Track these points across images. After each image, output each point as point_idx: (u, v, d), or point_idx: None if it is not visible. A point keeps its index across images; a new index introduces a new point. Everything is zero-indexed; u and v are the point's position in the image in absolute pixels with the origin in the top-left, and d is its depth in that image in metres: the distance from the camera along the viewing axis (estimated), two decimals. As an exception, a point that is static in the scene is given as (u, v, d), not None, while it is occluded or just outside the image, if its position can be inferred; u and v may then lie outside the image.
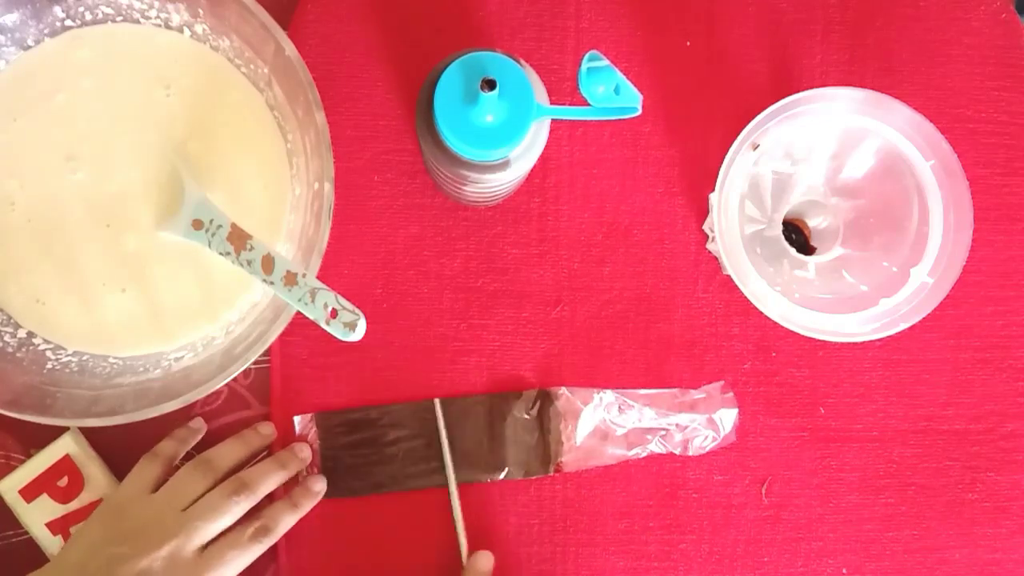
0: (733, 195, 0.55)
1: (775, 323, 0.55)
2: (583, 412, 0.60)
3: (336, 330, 0.49)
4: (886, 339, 0.55)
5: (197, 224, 0.53)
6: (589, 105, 0.43)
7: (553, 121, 0.48)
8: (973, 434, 0.62)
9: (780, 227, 0.59)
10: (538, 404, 0.60)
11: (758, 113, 0.54)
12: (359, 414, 0.59)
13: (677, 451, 0.60)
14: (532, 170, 0.53)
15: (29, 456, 0.57)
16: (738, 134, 0.55)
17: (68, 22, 0.56)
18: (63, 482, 0.57)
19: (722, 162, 0.55)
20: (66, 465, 0.57)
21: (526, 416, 0.60)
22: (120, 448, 0.59)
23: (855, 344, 0.60)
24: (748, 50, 0.61)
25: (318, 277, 0.50)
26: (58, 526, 0.56)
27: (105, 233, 0.56)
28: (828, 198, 0.60)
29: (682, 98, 0.61)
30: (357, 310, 0.49)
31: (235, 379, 0.59)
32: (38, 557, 0.57)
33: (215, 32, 0.55)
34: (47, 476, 0.56)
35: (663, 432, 0.60)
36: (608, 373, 0.61)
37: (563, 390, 0.60)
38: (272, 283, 0.50)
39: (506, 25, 0.61)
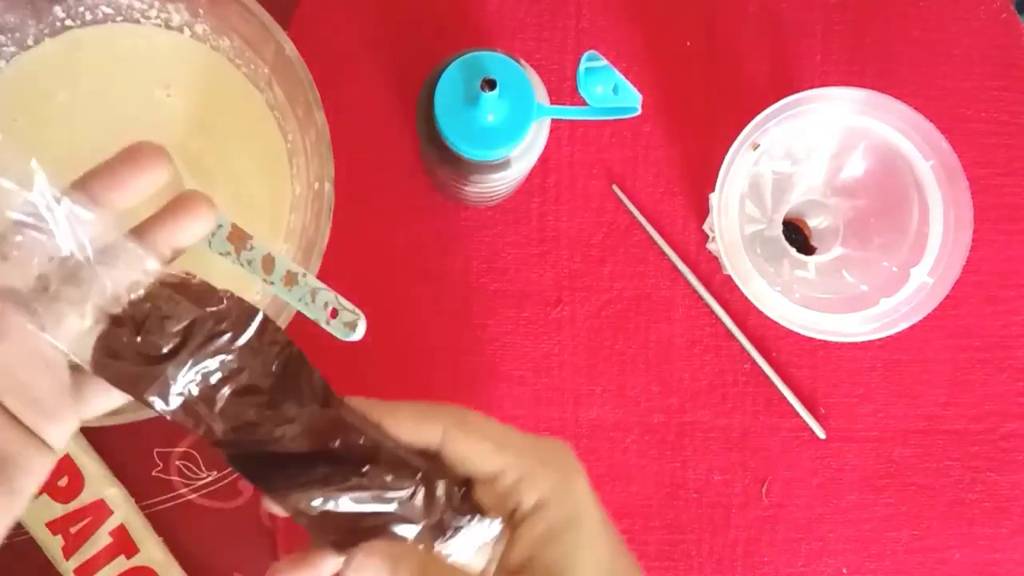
0: (733, 195, 0.55)
1: (775, 323, 0.55)
2: None
3: (336, 330, 0.49)
4: (886, 339, 0.55)
5: (197, 224, 0.53)
6: (589, 105, 0.43)
7: (553, 121, 0.48)
8: (973, 434, 0.62)
9: (780, 227, 0.59)
10: None
11: (758, 113, 0.54)
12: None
13: None
14: (532, 170, 0.53)
15: (29, 456, 0.57)
16: (738, 134, 0.55)
17: (68, 22, 0.56)
18: (63, 482, 0.56)
19: (722, 162, 0.55)
20: (66, 465, 0.57)
21: None
22: (120, 448, 0.59)
23: (855, 344, 0.60)
24: (748, 50, 0.61)
25: (318, 277, 0.50)
26: (58, 526, 0.56)
27: (105, 233, 0.56)
28: (828, 198, 0.60)
29: (682, 98, 0.61)
30: (357, 310, 0.49)
31: (235, 379, 0.59)
32: (38, 557, 0.57)
33: (215, 32, 0.55)
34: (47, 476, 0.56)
35: None
36: (608, 373, 0.61)
37: None
38: (272, 283, 0.50)
39: (506, 25, 0.61)
